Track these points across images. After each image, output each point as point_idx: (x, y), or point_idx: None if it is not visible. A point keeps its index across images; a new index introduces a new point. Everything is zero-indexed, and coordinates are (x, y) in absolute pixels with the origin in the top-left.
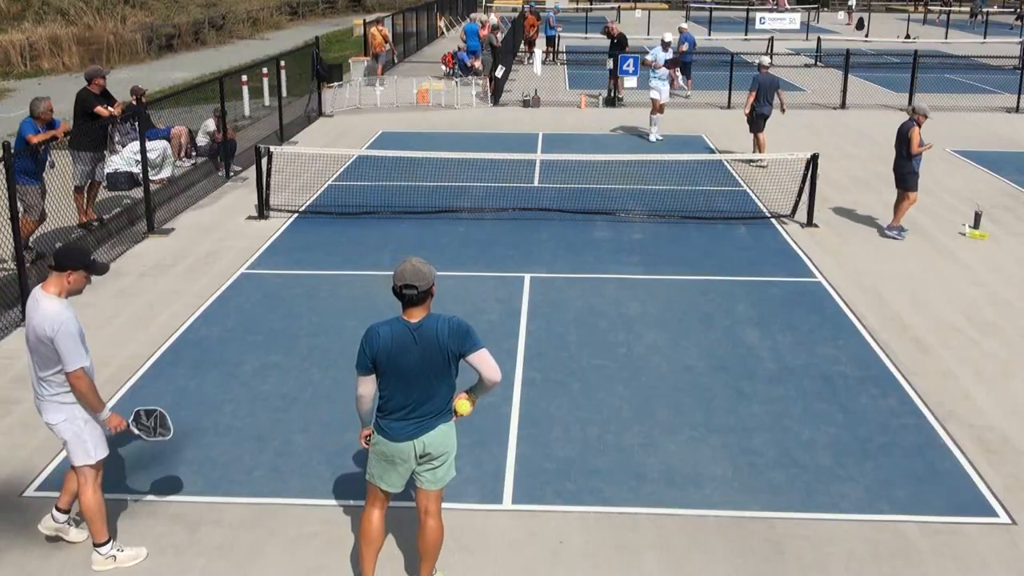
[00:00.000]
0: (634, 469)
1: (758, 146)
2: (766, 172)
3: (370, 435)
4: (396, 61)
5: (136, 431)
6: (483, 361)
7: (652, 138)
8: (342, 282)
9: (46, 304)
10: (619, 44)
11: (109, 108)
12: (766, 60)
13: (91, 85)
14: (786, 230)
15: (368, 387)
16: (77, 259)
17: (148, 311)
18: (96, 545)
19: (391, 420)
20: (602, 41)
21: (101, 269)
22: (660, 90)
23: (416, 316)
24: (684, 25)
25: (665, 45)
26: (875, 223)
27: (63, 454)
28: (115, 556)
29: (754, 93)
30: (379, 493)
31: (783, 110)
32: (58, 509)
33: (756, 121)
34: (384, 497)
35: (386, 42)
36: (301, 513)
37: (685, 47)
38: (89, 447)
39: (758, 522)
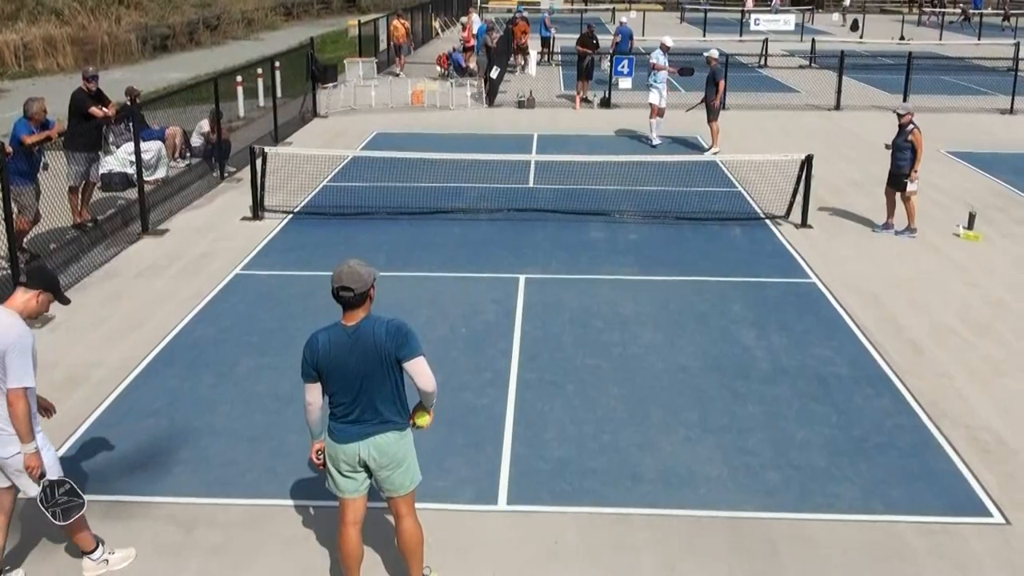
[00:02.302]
0: (629, 469)
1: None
2: (760, 173)
3: (322, 449)
4: (412, 50)
5: (42, 492)
6: (418, 369)
7: (654, 142)
8: None
9: (4, 318)
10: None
11: (103, 109)
12: (715, 53)
13: (86, 84)
14: (780, 231)
15: (314, 394)
16: (51, 281)
17: (142, 312)
18: (85, 553)
19: (338, 422)
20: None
21: (65, 301)
22: (660, 94)
23: (354, 319)
24: (623, 19)
25: (665, 48)
26: (870, 224)
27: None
28: (107, 560)
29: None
30: (349, 509)
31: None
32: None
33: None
34: (355, 512)
35: (407, 34)
36: (296, 514)
37: (619, 39)
38: (51, 472)
39: (753, 522)
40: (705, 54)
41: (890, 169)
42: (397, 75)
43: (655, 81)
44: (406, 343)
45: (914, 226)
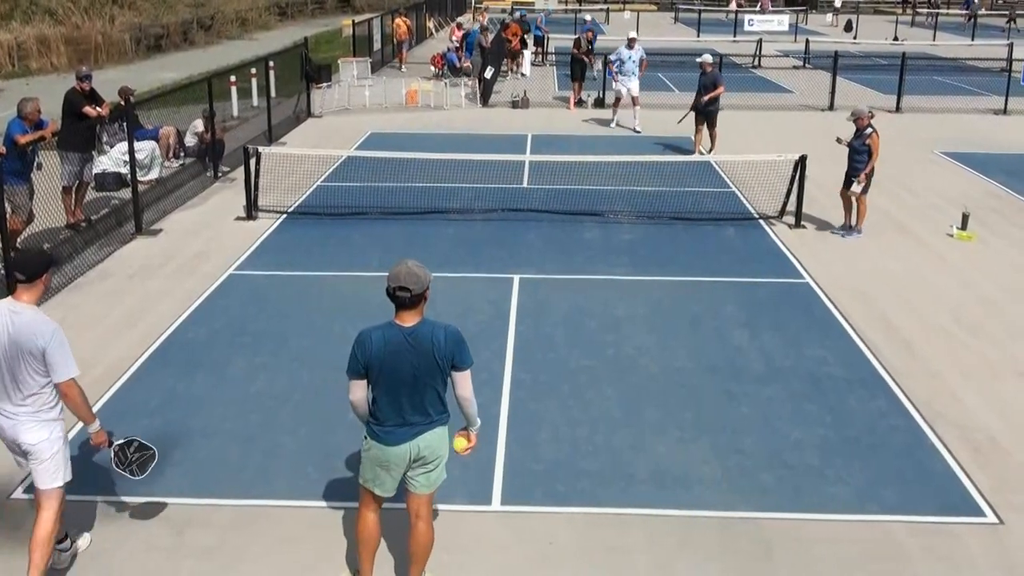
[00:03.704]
0: (623, 470)
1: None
2: (755, 173)
3: None
4: (412, 44)
5: (114, 457)
6: (465, 380)
7: (611, 125)
8: (331, 283)
9: (31, 314)
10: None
11: (97, 108)
12: (709, 58)
13: (78, 85)
14: (774, 231)
15: (360, 392)
16: (45, 261)
17: (136, 312)
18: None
19: (384, 426)
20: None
21: (58, 259)
22: (623, 85)
23: (409, 320)
24: (588, 16)
25: (630, 42)
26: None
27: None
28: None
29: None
30: (372, 495)
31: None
32: (58, 541)
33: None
34: (378, 499)
35: (408, 31)
36: (289, 515)
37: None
38: (65, 466)
39: (747, 523)
40: (699, 60)
41: (846, 171)
42: (400, 69)
43: (621, 73)
44: (464, 351)
45: (860, 227)
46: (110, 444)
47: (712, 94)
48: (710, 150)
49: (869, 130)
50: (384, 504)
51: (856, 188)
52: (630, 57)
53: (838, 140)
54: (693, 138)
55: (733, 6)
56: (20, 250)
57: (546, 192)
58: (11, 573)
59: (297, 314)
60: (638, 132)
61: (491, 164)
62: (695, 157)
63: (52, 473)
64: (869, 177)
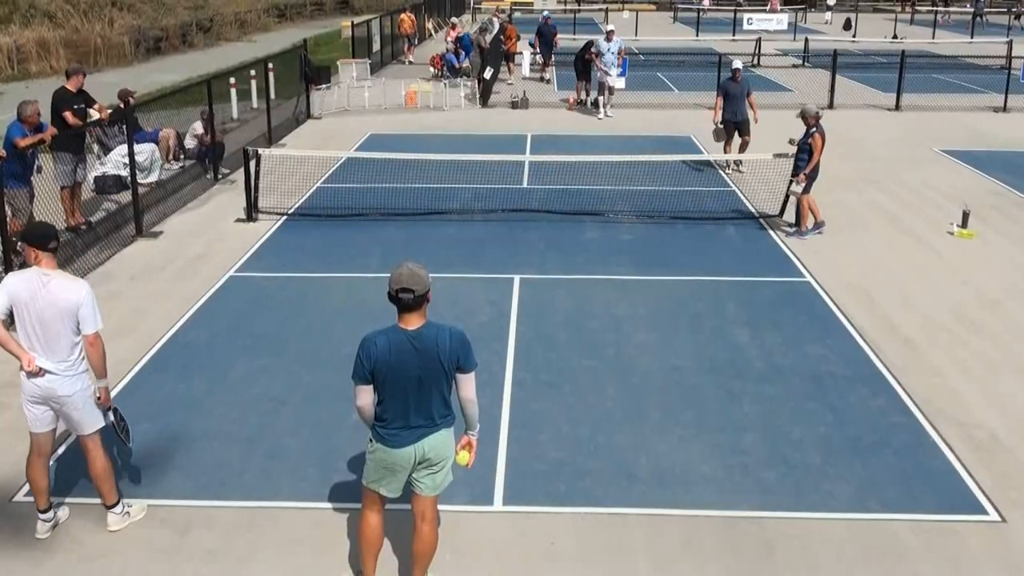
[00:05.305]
0: (624, 469)
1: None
2: (754, 172)
3: None
4: (418, 41)
5: (114, 416)
6: (470, 382)
7: (599, 116)
8: (331, 285)
9: (61, 278)
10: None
11: (90, 110)
12: (739, 64)
13: (69, 82)
14: (774, 230)
15: (367, 397)
16: (54, 231)
17: (137, 314)
18: (110, 507)
19: (388, 428)
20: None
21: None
22: (605, 76)
23: (413, 323)
24: (546, 12)
25: (609, 35)
26: (863, 223)
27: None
28: (128, 513)
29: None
30: (375, 496)
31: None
32: (43, 511)
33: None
34: (381, 500)
35: (413, 26)
36: (291, 516)
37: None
38: (100, 412)
39: (749, 522)
40: (733, 66)
41: (792, 170)
42: (407, 64)
43: (607, 66)
44: (469, 353)
45: (805, 228)
46: (111, 408)
47: (753, 106)
48: (732, 164)
49: (813, 129)
50: (386, 505)
51: (796, 188)
52: (609, 49)
53: (790, 141)
54: (725, 149)
55: (706, 3)
56: (31, 225)
57: (546, 192)
58: (11, 574)
59: (298, 316)
60: (609, 117)
61: (491, 165)
62: (696, 157)
63: (90, 419)
64: (811, 178)
